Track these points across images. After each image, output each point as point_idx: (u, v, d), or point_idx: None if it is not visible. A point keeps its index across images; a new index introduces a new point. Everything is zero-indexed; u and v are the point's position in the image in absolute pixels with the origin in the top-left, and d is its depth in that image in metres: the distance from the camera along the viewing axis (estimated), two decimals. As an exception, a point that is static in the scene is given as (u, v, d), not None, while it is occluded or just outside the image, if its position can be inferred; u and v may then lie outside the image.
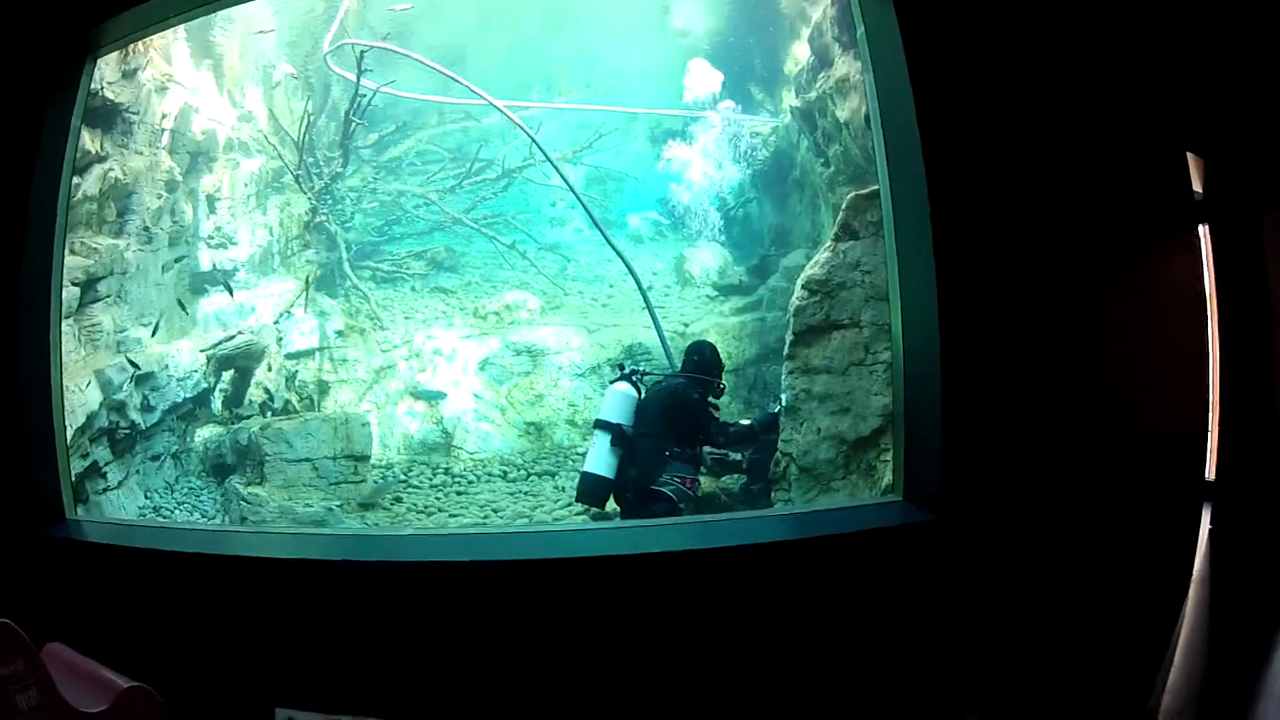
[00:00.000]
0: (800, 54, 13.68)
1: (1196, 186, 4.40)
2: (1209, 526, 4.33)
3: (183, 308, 11.71)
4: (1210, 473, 4.54)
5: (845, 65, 10.55)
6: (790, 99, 13.85)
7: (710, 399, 8.66)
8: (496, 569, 4.04)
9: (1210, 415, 4.40)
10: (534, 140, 15.02)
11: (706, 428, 8.45)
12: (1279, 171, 4.54)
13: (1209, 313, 4.36)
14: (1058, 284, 3.90)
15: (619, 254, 13.44)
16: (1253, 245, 4.71)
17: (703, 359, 8.78)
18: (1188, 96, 4.16)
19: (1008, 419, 3.90)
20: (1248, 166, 4.59)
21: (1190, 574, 4.14)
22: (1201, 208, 4.43)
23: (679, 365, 9.46)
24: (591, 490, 8.29)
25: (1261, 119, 4.46)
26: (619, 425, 8.25)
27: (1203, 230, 4.40)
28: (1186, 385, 4.14)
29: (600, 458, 8.23)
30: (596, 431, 8.38)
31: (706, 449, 8.73)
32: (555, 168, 14.85)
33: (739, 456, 9.02)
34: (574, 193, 14.59)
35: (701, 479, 8.80)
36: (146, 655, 4.06)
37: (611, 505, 8.58)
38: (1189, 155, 4.28)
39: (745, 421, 9.00)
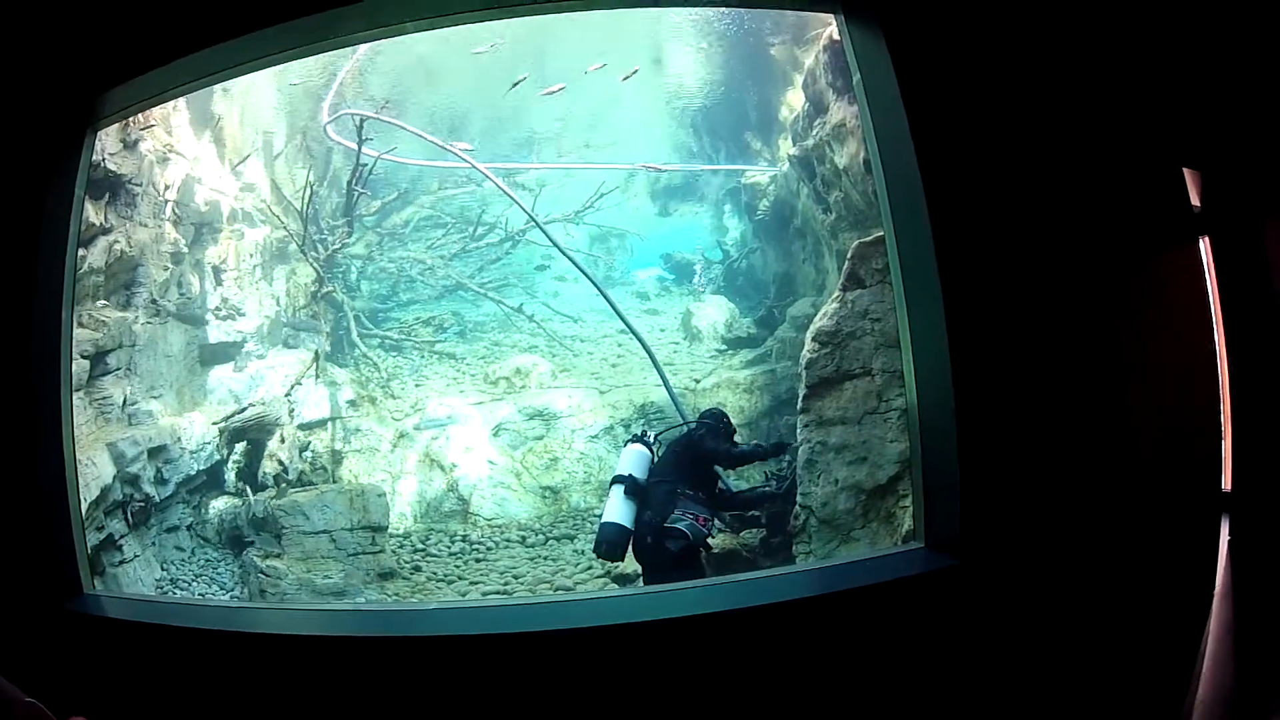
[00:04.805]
0: (795, 101, 13.81)
1: (1194, 200, 4.41)
2: (1228, 538, 4.31)
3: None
4: (1227, 484, 4.52)
5: (841, 110, 10.62)
6: (788, 147, 13.95)
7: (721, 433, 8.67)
8: (525, 641, 3.99)
9: (1223, 427, 4.40)
10: (529, 213, 15.21)
11: (714, 447, 8.43)
12: (1277, 181, 4.57)
13: (1215, 325, 4.36)
14: (1066, 311, 3.90)
15: (622, 318, 13.52)
16: (1255, 253, 4.72)
17: (714, 421, 8.77)
18: (1179, 115, 4.19)
19: (1025, 453, 3.89)
20: (1245, 178, 4.62)
21: (1213, 587, 4.12)
22: (1201, 220, 4.45)
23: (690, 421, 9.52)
24: (610, 539, 8.15)
25: (1255, 131, 4.49)
26: (631, 475, 8.26)
27: (1204, 242, 4.42)
28: (1199, 401, 4.13)
29: (616, 507, 8.15)
30: (612, 486, 8.35)
31: (728, 484, 8.75)
32: (548, 236, 14.97)
33: (763, 500, 8.99)
34: (573, 261, 14.57)
35: (720, 534, 8.80)
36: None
37: (632, 566, 8.52)
38: (1185, 170, 4.29)
39: (754, 441, 9.06)
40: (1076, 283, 3.92)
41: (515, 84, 14.82)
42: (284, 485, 11.38)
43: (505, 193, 15.09)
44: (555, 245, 14.97)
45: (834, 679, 3.91)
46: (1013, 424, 3.88)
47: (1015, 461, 3.89)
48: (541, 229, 14.99)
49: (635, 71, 15.04)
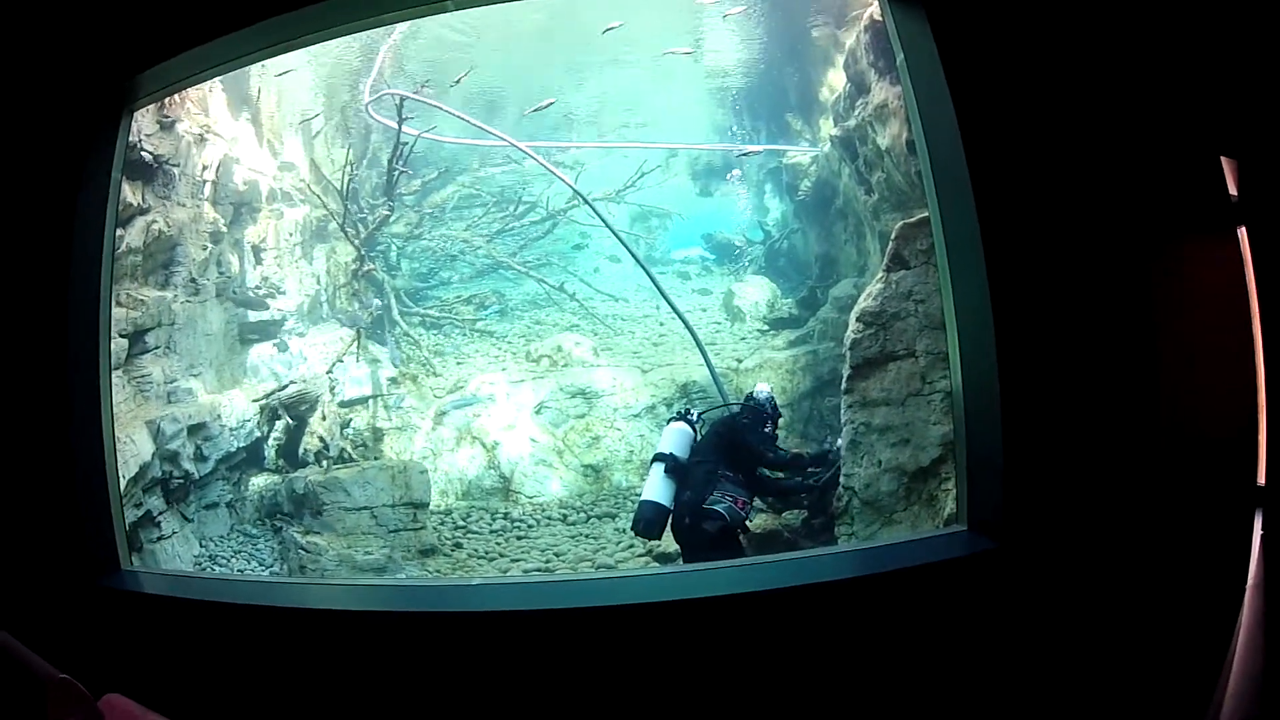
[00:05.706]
0: (836, 82, 13.63)
1: (1232, 189, 4.33)
2: (1261, 532, 4.25)
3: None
4: (1261, 478, 4.44)
5: (883, 91, 10.46)
6: (829, 127, 13.79)
7: (764, 430, 8.60)
8: (565, 617, 3.98)
9: (1259, 420, 4.32)
10: (578, 192, 15.19)
11: (756, 444, 8.41)
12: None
13: (1253, 316, 4.28)
14: (1106, 298, 3.84)
15: (666, 298, 13.40)
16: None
17: (760, 404, 8.75)
18: (1217, 103, 4.11)
19: (1066, 440, 3.84)
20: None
21: (1245, 580, 4.06)
22: (1239, 210, 4.36)
23: (732, 401, 9.48)
24: (647, 517, 8.21)
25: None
26: (672, 454, 8.26)
27: (1241, 232, 4.34)
28: (1235, 392, 4.06)
29: (656, 486, 8.20)
30: (653, 464, 8.38)
31: (767, 472, 8.71)
32: (599, 215, 14.88)
33: (801, 490, 8.94)
34: (620, 240, 14.48)
35: (762, 515, 8.78)
36: (207, 707, 4.06)
37: (673, 545, 8.53)
38: (1223, 159, 4.22)
39: (796, 449, 9.02)
40: (1116, 271, 3.85)
41: (607, 29, 14.72)
42: (326, 462, 11.41)
43: (552, 172, 15.03)
44: (605, 224, 14.90)
45: (873, 660, 3.88)
46: (1055, 410, 3.83)
47: (1057, 447, 3.84)
48: (591, 207, 14.98)
49: (741, 10, 15.04)
